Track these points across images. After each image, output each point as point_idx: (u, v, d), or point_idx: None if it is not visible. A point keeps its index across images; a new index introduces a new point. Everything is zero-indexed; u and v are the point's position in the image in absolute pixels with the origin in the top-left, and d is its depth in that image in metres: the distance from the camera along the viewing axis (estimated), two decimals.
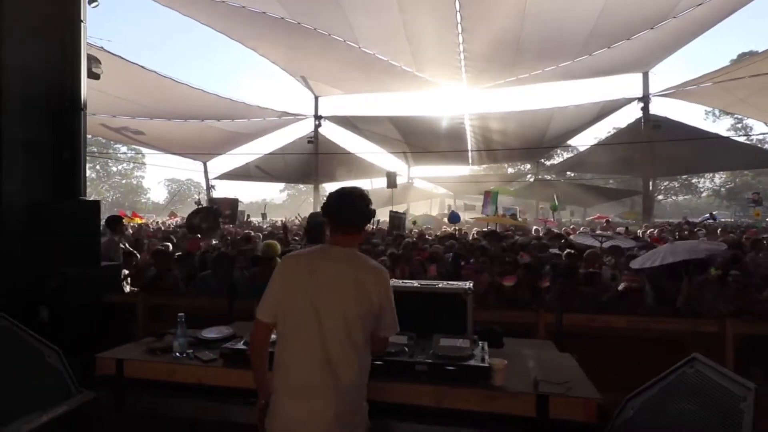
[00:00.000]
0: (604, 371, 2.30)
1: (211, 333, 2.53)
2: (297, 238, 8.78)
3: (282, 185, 59.46)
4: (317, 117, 21.45)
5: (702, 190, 46.98)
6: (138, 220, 15.20)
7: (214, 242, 8.19)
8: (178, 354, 2.24)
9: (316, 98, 21.45)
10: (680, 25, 13.88)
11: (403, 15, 12.75)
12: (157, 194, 67.12)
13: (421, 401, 1.86)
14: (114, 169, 46.24)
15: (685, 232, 10.99)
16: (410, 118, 20.57)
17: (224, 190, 22.65)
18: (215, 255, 5.18)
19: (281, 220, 16.91)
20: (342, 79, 18.88)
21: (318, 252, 1.75)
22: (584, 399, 1.71)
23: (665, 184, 44.18)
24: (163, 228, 14.40)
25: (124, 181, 49.34)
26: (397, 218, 10.80)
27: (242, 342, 2.23)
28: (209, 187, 21.66)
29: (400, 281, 2.68)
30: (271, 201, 46.44)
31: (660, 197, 43.73)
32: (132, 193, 50.29)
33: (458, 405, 1.83)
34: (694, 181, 45.40)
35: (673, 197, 50.54)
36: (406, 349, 2.07)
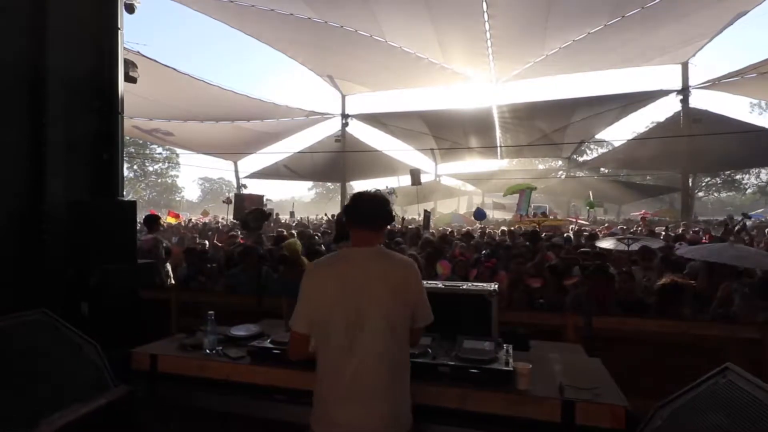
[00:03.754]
0: (634, 377, 2.23)
1: (239, 331, 2.60)
2: (318, 235, 8.90)
3: (310, 183, 60.36)
4: (344, 115, 21.61)
5: (747, 186, 44.56)
6: (172, 220, 15.45)
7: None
8: (208, 351, 2.31)
9: (343, 97, 21.62)
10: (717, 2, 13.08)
11: (429, 5, 12.66)
12: (191, 193, 69.37)
13: (445, 403, 1.85)
14: (150, 168, 48.00)
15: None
16: (438, 111, 20.45)
17: (254, 188, 23.17)
18: (240, 249, 5.30)
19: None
20: (368, 76, 18.97)
21: (342, 257, 1.76)
22: (611, 405, 1.66)
23: (706, 180, 42.17)
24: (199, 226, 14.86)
25: (159, 180, 51.17)
26: (426, 217, 10.80)
27: (269, 340, 2.28)
28: (240, 186, 22.19)
29: (425, 282, 2.66)
30: (299, 199, 47.22)
31: (701, 194, 41.82)
32: (167, 191, 52.10)
33: (482, 408, 1.81)
34: (738, 177, 43.14)
35: (716, 194, 48.23)
36: (429, 350, 2.07)
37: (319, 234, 8.40)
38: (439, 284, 2.62)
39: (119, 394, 2.07)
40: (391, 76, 18.69)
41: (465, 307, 2.49)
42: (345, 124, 21.44)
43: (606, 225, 16.89)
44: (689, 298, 3.05)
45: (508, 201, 19.88)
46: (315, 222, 22.51)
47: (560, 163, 39.51)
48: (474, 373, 1.86)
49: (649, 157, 20.32)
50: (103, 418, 1.93)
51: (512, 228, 10.75)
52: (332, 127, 22.34)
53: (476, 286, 2.56)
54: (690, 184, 21.32)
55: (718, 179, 43.40)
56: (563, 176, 29.16)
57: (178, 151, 31.74)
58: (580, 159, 35.70)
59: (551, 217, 18.06)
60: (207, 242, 6.94)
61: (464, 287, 2.56)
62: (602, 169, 32.64)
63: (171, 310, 4.20)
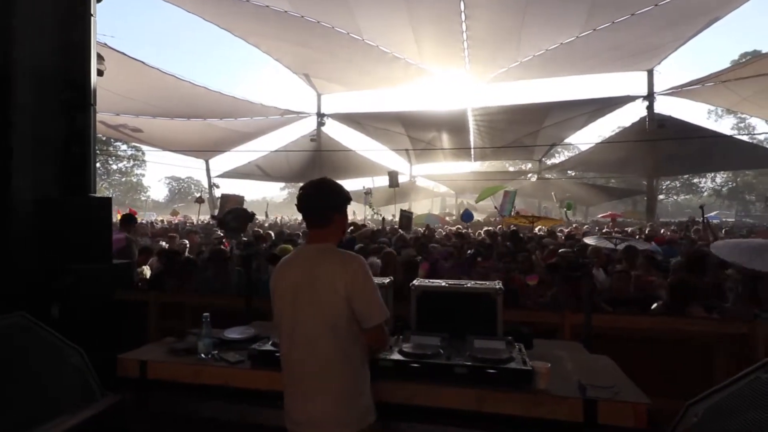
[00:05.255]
0: (627, 373, 2.22)
1: (233, 333, 2.47)
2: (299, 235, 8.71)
3: (282, 184, 59.48)
4: (320, 115, 21.36)
5: (703, 189, 46.92)
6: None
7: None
8: (203, 355, 2.17)
9: (319, 96, 21.38)
10: (684, 13, 13.69)
11: (408, 4, 12.66)
12: (158, 192, 67.03)
13: (461, 405, 1.79)
14: (114, 167, 46.06)
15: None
16: (415, 112, 20.49)
17: (226, 188, 22.57)
18: (210, 252, 5.09)
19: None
20: (344, 74, 18.81)
21: (293, 255, 1.78)
22: (634, 404, 1.64)
23: (666, 183, 44.12)
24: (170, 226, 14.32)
25: (124, 179, 49.19)
26: (405, 217, 10.76)
27: (270, 343, 2.16)
28: (211, 185, 21.55)
29: (428, 281, 2.61)
30: (271, 199, 46.31)
31: (661, 197, 43.67)
32: (132, 191, 50.15)
33: (500, 409, 1.76)
34: (695, 180, 45.36)
35: (674, 197, 50.55)
36: (442, 351, 2.00)
37: (300, 234, 8.22)
38: (443, 283, 2.55)
39: (108, 404, 1.90)
40: (367, 75, 18.61)
41: (470, 305, 2.44)
42: (321, 124, 21.19)
43: (575, 226, 17.36)
44: (701, 296, 3.11)
45: (482, 203, 20.09)
46: (290, 223, 22.17)
47: (530, 165, 40.50)
48: (492, 374, 1.80)
49: (616, 160, 21.06)
50: (92, 430, 1.77)
51: (495, 229, 10.85)
52: (307, 126, 22.07)
53: (481, 284, 2.51)
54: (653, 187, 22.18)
55: (677, 183, 45.54)
56: (534, 178, 29.83)
57: (145, 148, 30.53)
58: (549, 162, 36.76)
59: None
60: (187, 242, 6.66)
61: (468, 285, 2.51)
62: (569, 171, 33.68)
63: (149, 312, 3.98)
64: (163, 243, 7.21)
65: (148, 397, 2.12)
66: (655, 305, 3.31)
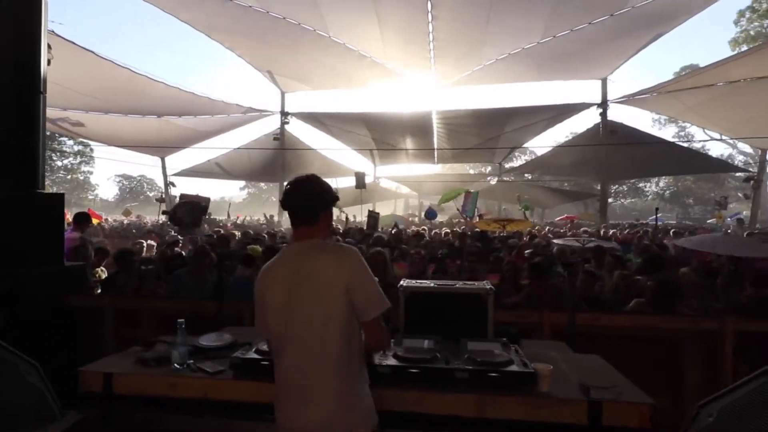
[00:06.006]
0: None
1: (208, 341, 2.28)
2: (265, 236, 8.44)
3: (242, 183, 57.91)
4: (284, 113, 20.91)
5: (648, 193, 49.77)
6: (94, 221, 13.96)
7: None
8: (177, 365, 1.98)
9: (283, 94, 20.93)
10: (634, 26, 14.45)
11: (375, 3, 12.60)
12: (106, 191, 63.49)
13: (463, 411, 1.71)
14: (59, 163, 43.09)
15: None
16: (379, 114, 20.46)
17: (184, 186, 21.66)
18: (195, 250, 4.82)
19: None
20: (310, 73, 18.49)
21: (280, 257, 1.68)
22: (638, 404, 1.63)
23: (615, 187, 46.50)
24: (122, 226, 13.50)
25: (69, 177, 46.14)
26: (372, 218, 10.70)
27: (253, 350, 2.00)
28: (167, 184, 20.54)
29: (415, 281, 2.53)
30: (231, 199, 44.87)
31: (610, 200, 45.96)
32: (78, 189, 47.10)
33: (503, 414, 1.70)
34: (640, 185, 48.03)
35: (622, 200, 53.31)
36: (438, 355, 1.92)
37: (265, 235, 7.96)
38: (432, 284, 2.48)
39: (69, 424, 1.69)
40: (332, 73, 18.37)
41: (459, 306, 2.38)
42: (285, 123, 20.73)
43: (537, 228, 17.89)
44: (681, 295, 3.20)
45: (443, 204, 20.35)
46: (253, 223, 21.57)
47: (489, 168, 41.50)
48: (494, 377, 1.74)
49: (572, 164, 21.95)
50: None
51: (460, 229, 10.96)
52: (271, 125, 21.52)
53: (470, 284, 2.46)
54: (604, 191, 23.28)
55: (624, 186, 48.06)
56: (494, 181, 30.58)
57: (93, 144, 28.75)
58: (507, 165, 37.85)
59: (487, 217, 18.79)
60: (144, 242, 6.25)
61: (458, 286, 2.45)
62: (526, 175, 34.83)
63: (107, 319, 3.68)
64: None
65: (114, 413, 1.91)
66: (632, 302, 3.39)
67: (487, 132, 20.54)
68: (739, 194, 22.44)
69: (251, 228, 13.91)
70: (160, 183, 22.12)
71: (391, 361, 1.85)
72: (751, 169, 21.91)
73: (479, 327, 2.34)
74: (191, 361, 2.02)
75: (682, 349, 3.17)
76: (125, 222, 18.29)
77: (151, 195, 57.51)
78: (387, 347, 1.78)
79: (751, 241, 4.19)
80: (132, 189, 56.82)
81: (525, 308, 3.33)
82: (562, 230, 14.54)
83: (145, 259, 4.78)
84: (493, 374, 1.75)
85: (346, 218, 12.96)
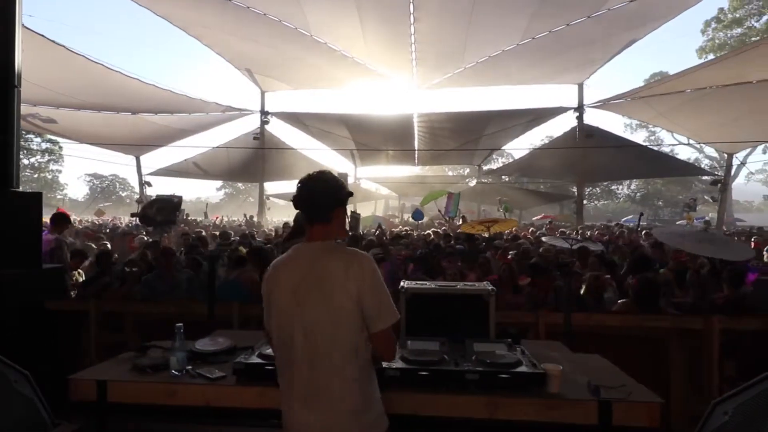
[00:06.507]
0: None
1: (205, 345, 2.20)
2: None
3: (219, 183, 56.83)
4: (264, 113, 20.61)
5: (620, 195, 51.24)
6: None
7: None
8: (176, 372, 1.90)
9: (263, 93, 20.62)
10: (610, 32, 14.84)
11: (358, 2, 12.54)
12: (76, 190, 61.25)
13: (474, 413, 1.70)
14: (25, 162, 41.35)
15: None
16: (360, 116, 20.41)
17: (159, 186, 21.04)
18: (160, 251, 4.67)
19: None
20: (290, 72, 18.26)
21: (290, 256, 1.62)
22: (648, 404, 1.65)
23: (588, 189, 47.71)
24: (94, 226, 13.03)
25: (36, 176, 44.35)
26: (354, 219, 10.64)
27: (256, 354, 1.94)
28: (143, 184, 19.93)
29: (416, 283, 2.51)
30: (206, 199, 43.91)
31: (584, 201, 47.09)
32: (46, 188, 45.26)
33: (513, 416, 1.69)
34: (613, 187, 49.41)
35: (595, 202, 54.73)
36: (446, 357, 1.90)
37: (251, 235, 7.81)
38: (432, 285, 2.47)
39: None
40: (313, 73, 18.20)
41: (461, 307, 2.38)
42: (265, 122, 20.43)
43: (515, 229, 18.16)
44: (661, 293, 3.27)
45: (425, 205, 20.48)
46: (233, 223, 21.14)
47: (468, 170, 41.98)
48: (504, 379, 1.73)
49: (550, 167, 22.40)
50: None
51: (444, 229, 11.02)
52: (250, 124, 21.16)
53: (472, 285, 2.46)
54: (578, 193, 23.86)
55: (598, 189, 49.37)
56: (473, 182, 30.96)
57: (63, 142, 27.64)
58: (486, 167, 38.41)
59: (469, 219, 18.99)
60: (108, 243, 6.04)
61: (459, 287, 2.44)
62: (504, 177, 35.40)
63: (89, 324, 3.53)
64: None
65: (109, 424, 1.82)
66: (619, 302, 3.46)
67: (467, 134, 20.75)
68: (706, 197, 23.30)
69: (231, 228, 13.66)
70: (133, 182, 21.54)
71: (399, 364, 1.83)
72: (718, 173, 22.83)
73: (481, 328, 2.34)
74: (189, 367, 1.95)
75: (669, 347, 3.25)
76: (98, 222, 17.66)
77: (123, 195, 55.83)
78: (393, 359, 1.72)
79: (733, 241, 4.32)
80: (103, 189, 55.03)
81: (521, 309, 3.36)
82: (539, 232, 14.80)
83: (130, 261, 4.61)
84: (504, 375, 1.74)
85: None
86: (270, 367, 1.83)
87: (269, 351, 1.94)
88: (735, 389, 1.33)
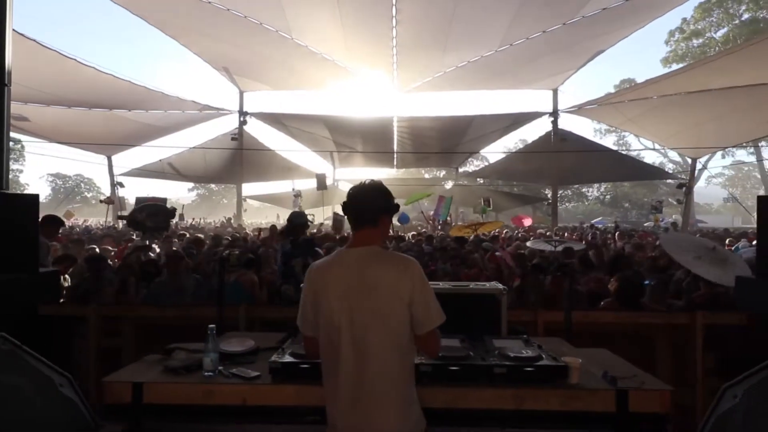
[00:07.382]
0: None
1: (232, 346, 2.25)
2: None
3: (191, 184, 55.47)
4: (242, 113, 20.35)
5: (590, 198, 52.91)
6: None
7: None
8: (209, 372, 1.94)
9: (241, 93, 20.37)
10: (583, 39, 15.43)
11: (340, 4, 12.59)
12: (37, 191, 58.46)
13: (502, 405, 1.82)
14: None
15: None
16: (340, 117, 20.43)
17: (132, 187, 20.45)
18: (169, 255, 4.63)
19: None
20: (270, 73, 18.12)
21: (337, 260, 1.67)
22: (660, 391, 1.80)
23: (560, 192, 49.13)
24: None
25: None
26: (338, 220, 10.69)
27: (288, 353, 2.00)
28: (114, 185, 19.30)
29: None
30: (177, 201, 42.83)
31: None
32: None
33: (539, 406, 1.82)
34: (583, 190, 51.01)
35: (566, 204, 56.37)
36: (471, 353, 2.01)
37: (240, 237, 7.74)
38: (446, 285, 2.58)
39: None
40: (294, 75, 18.12)
41: (474, 306, 2.49)
42: (243, 122, 20.16)
43: (497, 231, 18.56)
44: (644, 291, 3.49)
45: (407, 207, 20.71)
46: (207, 225, 20.73)
47: (444, 173, 42.51)
48: (529, 372, 1.86)
49: (526, 170, 23.04)
50: None
51: (424, 232, 11.18)
52: (228, 124, 20.85)
53: (484, 285, 2.58)
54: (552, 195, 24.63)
55: (569, 191, 50.87)
56: (449, 185, 31.43)
57: (26, 140, 26.43)
58: (461, 170, 39.04)
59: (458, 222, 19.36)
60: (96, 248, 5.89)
61: (472, 287, 2.56)
62: (479, 179, 36.07)
63: (89, 329, 3.47)
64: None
65: (147, 425, 1.84)
66: (602, 303, 3.67)
67: (446, 138, 21.09)
68: (671, 200, 24.41)
69: (207, 230, 13.44)
70: (100, 183, 20.89)
71: (430, 359, 1.92)
72: (682, 177, 23.96)
73: (493, 326, 2.47)
74: (221, 368, 1.99)
75: (655, 342, 3.48)
76: (69, 225, 16.99)
77: (89, 196, 53.71)
78: (436, 356, 1.81)
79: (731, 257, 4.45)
80: (66, 189, 52.85)
81: (521, 307, 3.51)
82: (519, 233, 15.19)
83: (124, 265, 4.53)
84: (529, 369, 1.86)
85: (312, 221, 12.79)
86: (305, 366, 1.90)
87: (300, 350, 2.00)
88: (743, 374, 1.49)
